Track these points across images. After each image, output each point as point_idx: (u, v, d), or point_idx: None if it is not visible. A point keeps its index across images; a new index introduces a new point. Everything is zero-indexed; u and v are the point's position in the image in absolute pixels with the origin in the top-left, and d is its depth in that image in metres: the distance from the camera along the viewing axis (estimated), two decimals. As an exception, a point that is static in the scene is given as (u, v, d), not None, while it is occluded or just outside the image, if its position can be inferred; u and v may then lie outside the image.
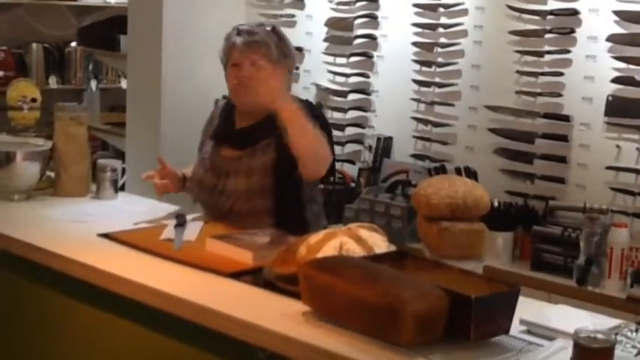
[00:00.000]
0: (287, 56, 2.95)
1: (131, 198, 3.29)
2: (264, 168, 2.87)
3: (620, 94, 3.44)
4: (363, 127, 4.30)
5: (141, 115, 4.66)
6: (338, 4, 4.39)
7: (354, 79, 4.35)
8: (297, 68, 4.39)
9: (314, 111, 2.92)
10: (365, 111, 4.31)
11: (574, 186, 3.59)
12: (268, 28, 2.97)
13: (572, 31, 3.58)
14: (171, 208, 3.05)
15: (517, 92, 3.74)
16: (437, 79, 4.04)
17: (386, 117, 4.24)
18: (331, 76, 4.42)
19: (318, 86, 4.45)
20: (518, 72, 3.73)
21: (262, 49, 2.89)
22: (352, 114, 4.33)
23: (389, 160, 4.15)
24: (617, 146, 3.46)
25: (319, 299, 1.97)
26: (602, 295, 3.15)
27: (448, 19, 3.99)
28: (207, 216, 2.98)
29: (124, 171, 3.24)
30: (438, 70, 4.03)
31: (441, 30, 4.01)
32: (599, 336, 1.70)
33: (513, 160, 3.76)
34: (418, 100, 4.11)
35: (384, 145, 4.17)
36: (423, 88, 4.09)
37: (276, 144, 2.85)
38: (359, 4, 4.31)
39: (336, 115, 4.36)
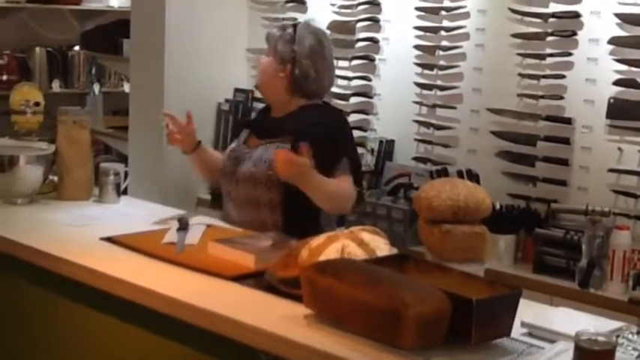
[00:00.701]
0: (294, 52, 2.98)
1: (134, 202, 3.30)
2: (272, 164, 2.88)
3: (622, 97, 3.44)
4: (365, 130, 4.31)
5: (143, 119, 4.67)
6: (340, 7, 4.40)
7: (356, 82, 4.35)
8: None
9: (334, 127, 2.99)
10: (367, 114, 4.31)
11: (576, 188, 3.59)
12: (291, 24, 3.09)
13: (574, 33, 3.58)
14: (174, 211, 3.06)
15: (519, 95, 3.75)
16: (439, 82, 4.05)
17: (388, 120, 4.25)
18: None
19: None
20: (520, 75, 3.74)
21: (272, 40, 3.04)
22: (354, 117, 4.34)
23: (391, 163, 4.16)
24: (619, 149, 3.46)
25: (321, 302, 1.98)
26: (604, 298, 3.15)
27: (450, 22, 3.99)
28: (224, 205, 3.08)
29: (126, 175, 3.24)
30: (440, 72, 4.03)
31: (442, 33, 4.02)
32: (601, 338, 1.70)
33: (515, 162, 3.77)
34: (420, 103, 4.11)
35: (386, 148, 4.18)
36: (425, 91, 4.10)
37: (291, 142, 2.87)
38: (361, 7, 4.31)
39: (339, 118, 4.36)
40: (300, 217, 2.88)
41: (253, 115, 3.26)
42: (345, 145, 2.98)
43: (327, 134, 2.91)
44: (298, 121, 2.94)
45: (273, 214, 2.91)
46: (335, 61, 4.33)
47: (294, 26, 3.04)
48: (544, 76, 3.67)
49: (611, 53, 3.47)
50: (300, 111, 2.99)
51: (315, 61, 3.01)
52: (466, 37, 3.94)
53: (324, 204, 2.85)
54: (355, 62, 4.34)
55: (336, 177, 2.86)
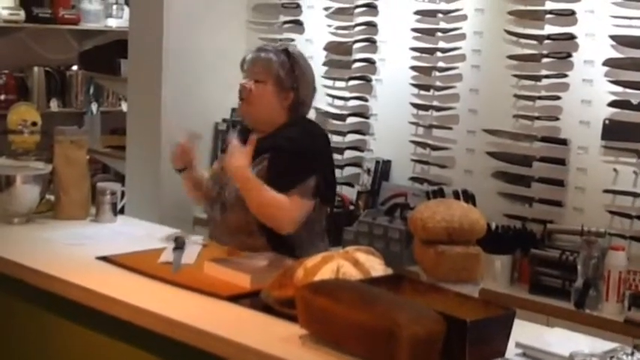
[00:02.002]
0: (297, 76, 2.97)
1: (130, 221, 3.31)
2: None
3: (617, 118, 3.46)
4: (362, 151, 4.32)
5: (141, 139, 4.68)
6: (337, 28, 4.42)
7: (352, 103, 4.37)
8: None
9: (306, 144, 2.94)
10: (364, 134, 4.33)
11: (572, 209, 3.60)
12: (280, 48, 3.03)
13: (569, 55, 3.60)
14: (171, 231, 3.06)
15: (515, 116, 3.76)
16: (435, 103, 4.06)
17: (384, 140, 4.26)
18: (330, 99, 4.44)
19: (317, 109, 4.46)
20: (515, 96, 3.76)
21: (264, 64, 2.97)
22: (351, 137, 4.35)
23: (387, 183, 4.16)
24: (615, 170, 3.47)
25: (316, 322, 1.98)
26: (599, 318, 3.16)
27: (446, 43, 4.01)
28: (210, 229, 3.05)
29: (123, 194, 3.25)
30: (437, 93, 4.05)
31: (439, 54, 4.04)
32: (594, 359, 1.71)
33: (511, 183, 3.78)
34: (416, 124, 4.13)
35: (383, 168, 4.19)
36: (422, 112, 4.11)
37: (268, 161, 2.88)
38: (358, 28, 4.34)
39: (335, 138, 4.37)
40: (282, 239, 2.87)
41: (231, 135, 3.20)
42: (315, 164, 2.92)
43: (298, 151, 2.89)
44: (276, 137, 2.94)
45: (260, 238, 2.89)
46: (332, 82, 4.43)
47: (285, 51, 3.01)
48: (539, 98, 3.69)
49: (606, 75, 3.49)
50: (280, 128, 2.97)
51: (313, 86, 3.06)
52: (462, 58, 3.96)
53: (253, 210, 2.83)
54: (352, 83, 4.36)
55: (288, 194, 2.83)
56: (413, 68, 4.12)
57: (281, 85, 2.96)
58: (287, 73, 2.96)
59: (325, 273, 2.14)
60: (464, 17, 3.95)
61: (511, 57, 3.76)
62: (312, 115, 4.40)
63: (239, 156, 2.81)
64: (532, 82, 3.71)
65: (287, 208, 2.82)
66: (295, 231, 2.87)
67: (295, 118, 3.01)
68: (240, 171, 2.80)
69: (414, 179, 4.11)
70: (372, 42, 4.29)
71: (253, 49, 3.08)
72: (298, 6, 4.61)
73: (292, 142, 2.90)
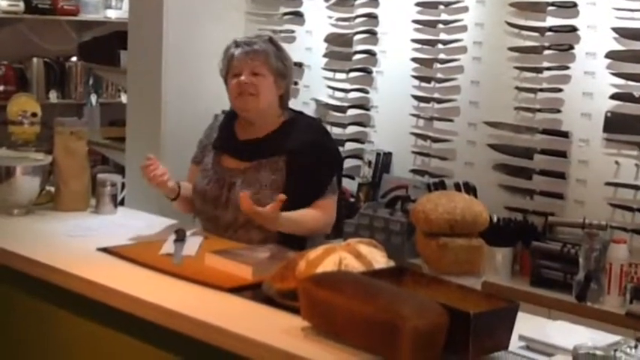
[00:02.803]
0: (286, 66, 3.00)
1: (130, 212, 3.30)
2: (275, 184, 2.88)
3: (619, 111, 3.45)
4: (363, 143, 4.31)
5: (141, 130, 4.67)
6: (338, 19, 4.41)
7: (353, 95, 4.36)
8: (297, 83, 4.41)
9: (324, 148, 2.99)
10: (364, 126, 4.32)
11: (573, 202, 3.59)
12: (265, 39, 3.01)
13: (571, 47, 3.59)
14: (171, 222, 3.06)
15: (516, 108, 3.75)
16: (436, 95, 4.05)
17: (385, 132, 4.25)
18: (331, 91, 4.43)
19: (317, 101, 4.46)
20: (517, 88, 3.75)
21: (261, 57, 2.97)
22: (351, 129, 4.34)
23: (388, 175, 4.16)
24: (616, 162, 3.47)
25: (319, 315, 1.97)
26: (601, 311, 3.15)
27: (447, 35, 4.00)
28: (207, 229, 2.99)
29: (123, 185, 3.24)
30: (437, 85, 4.04)
31: (440, 46, 4.02)
32: (598, 352, 1.71)
33: (512, 175, 3.77)
34: (417, 116, 4.12)
35: (384, 161, 4.18)
36: (423, 104, 4.10)
37: (286, 164, 2.88)
38: (358, 20, 4.32)
39: (336, 130, 4.36)
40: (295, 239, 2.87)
41: (212, 131, 3.17)
42: (334, 164, 3.02)
43: (318, 152, 2.94)
44: (286, 139, 2.94)
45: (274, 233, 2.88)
46: (332, 74, 4.41)
47: (271, 40, 3.01)
48: (541, 90, 3.68)
49: (608, 67, 3.48)
50: (286, 127, 2.98)
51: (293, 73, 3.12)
52: (463, 50, 3.95)
53: (302, 234, 2.91)
54: (352, 75, 4.35)
55: (320, 201, 2.91)
56: (414, 60, 4.11)
57: (278, 75, 2.97)
58: (281, 63, 2.98)
59: (327, 265, 2.13)
60: (465, 9, 3.93)
61: (512, 49, 3.75)
62: (312, 107, 4.45)
63: (271, 221, 2.77)
64: (533, 75, 3.70)
65: (319, 217, 2.92)
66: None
67: (292, 114, 3.02)
68: (276, 227, 2.81)
69: (414, 171, 4.10)
70: (373, 34, 4.28)
71: (234, 44, 3.03)
72: (299, -3, 4.60)
73: (312, 145, 2.94)
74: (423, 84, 4.09)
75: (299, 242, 2.81)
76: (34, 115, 3.48)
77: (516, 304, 1.92)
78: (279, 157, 2.90)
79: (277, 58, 2.98)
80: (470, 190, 3.69)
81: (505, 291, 3.33)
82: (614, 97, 3.46)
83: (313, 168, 2.91)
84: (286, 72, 3.00)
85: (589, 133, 3.54)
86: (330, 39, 4.42)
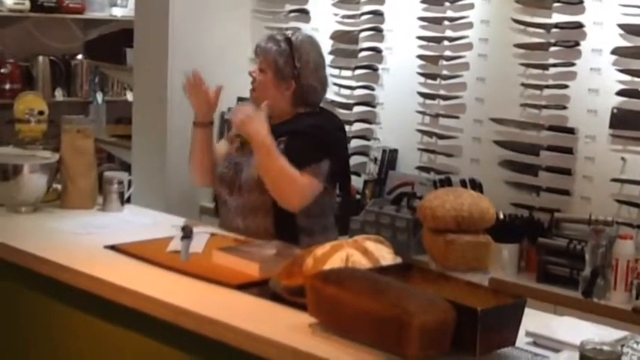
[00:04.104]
0: (297, 66, 2.97)
1: (137, 210, 3.30)
2: None
3: (625, 107, 3.45)
4: (369, 140, 4.31)
5: (147, 128, 4.68)
6: (343, 17, 4.41)
7: (359, 92, 4.36)
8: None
9: (323, 130, 2.96)
10: (370, 123, 4.32)
11: (579, 198, 3.59)
12: (281, 37, 3.03)
13: (577, 44, 3.59)
14: (178, 220, 3.06)
15: (522, 105, 3.75)
16: (442, 92, 4.05)
17: (391, 129, 4.25)
18: (337, 88, 4.43)
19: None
20: (523, 85, 3.75)
21: (263, 54, 3.00)
22: (357, 126, 4.35)
23: (394, 172, 4.16)
24: (622, 158, 3.47)
25: (326, 311, 1.98)
26: (607, 307, 3.15)
27: (453, 32, 4.00)
28: (221, 214, 3.05)
29: (130, 183, 3.24)
30: (443, 82, 4.04)
31: (446, 43, 4.02)
32: (605, 348, 1.71)
33: (519, 172, 3.77)
34: (423, 113, 4.12)
35: (390, 158, 4.18)
36: (428, 101, 4.10)
37: (285, 144, 2.90)
38: (364, 17, 4.33)
39: (342, 127, 4.37)
40: (289, 221, 2.89)
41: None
42: (331, 149, 2.96)
43: (314, 134, 2.92)
44: (293, 125, 2.97)
45: (271, 220, 2.92)
46: (338, 71, 4.42)
47: (288, 40, 3.01)
48: (547, 86, 3.68)
49: (614, 63, 3.48)
50: (297, 117, 3.01)
51: (320, 73, 3.04)
52: (469, 47, 3.95)
53: (267, 178, 2.85)
54: (358, 72, 4.35)
55: (300, 172, 2.85)
56: (420, 57, 4.11)
57: (280, 74, 2.97)
58: (286, 62, 2.97)
59: (335, 262, 2.13)
60: (471, 5, 3.93)
61: (518, 45, 3.75)
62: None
63: (258, 121, 2.83)
64: (539, 71, 3.70)
65: (299, 183, 2.84)
66: (307, 215, 2.90)
67: (311, 108, 3.03)
68: (261, 136, 2.82)
69: (420, 168, 4.10)
70: (379, 31, 4.28)
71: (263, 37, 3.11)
72: (304, -6, 4.61)
73: (310, 126, 2.94)
74: (429, 81, 4.10)
75: (292, 237, 2.83)
76: (40, 113, 3.48)
77: (523, 300, 1.92)
78: (281, 140, 2.92)
79: (282, 56, 2.96)
80: (476, 186, 3.69)
81: (511, 287, 3.33)
82: (620, 93, 3.45)
83: (302, 143, 2.90)
84: (292, 72, 2.97)
85: (595, 129, 3.54)
86: (336, 36, 4.42)
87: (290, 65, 2.97)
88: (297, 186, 2.84)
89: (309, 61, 3.01)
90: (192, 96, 3.10)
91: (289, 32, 3.10)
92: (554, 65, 3.65)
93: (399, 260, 2.23)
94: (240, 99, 4.70)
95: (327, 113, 3.13)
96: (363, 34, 4.33)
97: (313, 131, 2.92)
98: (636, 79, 3.42)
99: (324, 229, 2.98)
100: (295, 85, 2.98)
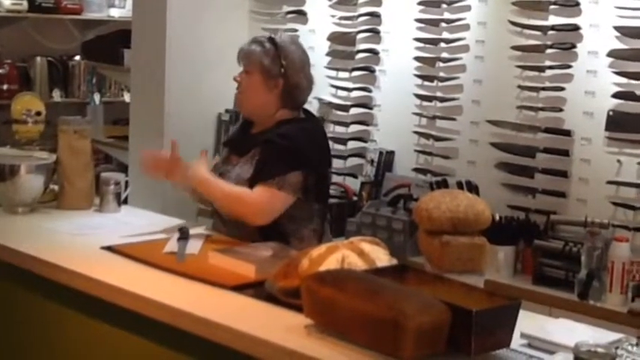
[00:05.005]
0: (283, 65, 2.97)
1: (134, 211, 3.31)
2: (247, 180, 2.89)
3: (621, 109, 3.45)
4: (365, 141, 4.32)
5: (144, 129, 4.68)
6: (340, 18, 4.41)
7: (356, 94, 4.37)
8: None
9: (295, 140, 2.92)
10: (367, 125, 4.32)
11: (575, 200, 3.60)
12: (264, 38, 3.04)
13: (573, 46, 3.60)
14: (175, 221, 3.07)
15: (518, 107, 3.76)
16: (439, 94, 4.06)
17: (388, 131, 4.26)
18: (333, 90, 4.44)
19: (320, 100, 4.47)
20: (519, 87, 3.75)
21: (249, 56, 3.00)
22: (354, 128, 4.35)
23: (391, 174, 4.17)
24: (618, 161, 3.47)
25: (321, 312, 1.98)
26: (603, 309, 3.15)
27: (450, 34, 4.01)
28: (214, 223, 3.05)
29: (127, 184, 3.25)
30: (440, 84, 4.05)
31: (442, 45, 4.03)
32: (600, 350, 1.71)
33: (515, 174, 3.78)
34: (420, 115, 4.12)
35: (386, 159, 4.19)
36: (425, 103, 4.11)
37: (259, 154, 2.89)
38: (361, 18, 4.33)
39: (339, 129, 4.38)
40: (274, 229, 2.87)
41: (232, 129, 3.22)
42: (301, 161, 2.88)
43: (283, 145, 2.88)
44: (270, 133, 2.94)
45: (252, 231, 2.88)
46: (335, 72, 4.42)
47: (271, 40, 3.01)
48: (543, 89, 3.68)
49: (611, 66, 3.48)
50: (277, 126, 2.97)
51: (306, 71, 3.04)
52: (466, 49, 3.95)
53: (222, 208, 2.92)
54: (355, 73, 4.36)
55: (260, 186, 2.84)
56: (416, 59, 4.11)
57: (267, 73, 2.96)
58: (272, 61, 2.96)
59: (330, 263, 2.14)
60: (467, 8, 3.94)
61: (515, 48, 3.76)
62: (315, 105, 4.45)
63: (195, 167, 2.88)
64: (536, 73, 3.71)
65: (249, 201, 2.83)
66: (282, 226, 2.87)
67: (296, 112, 3.02)
68: (198, 175, 2.87)
69: (417, 170, 4.11)
70: (376, 32, 4.29)
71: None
72: (302, -4, 4.61)
73: (282, 137, 2.90)
74: (426, 83, 4.10)
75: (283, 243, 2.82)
76: (38, 113, 3.49)
77: (518, 302, 1.93)
78: (256, 150, 2.93)
79: (267, 55, 2.96)
80: (472, 188, 3.70)
81: (507, 289, 3.33)
82: (616, 95, 3.46)
83: (270, 154, 2.87)
84: (279, 71, 2.96)
85: (591, 131, 3.55)
86: (333, 38, 4.43)
87: (277, 64, 2.96)
88: (247, 204, 2.83)
89: (295, 59, 3.00)
90: (159, 173, 3.00)
91: (270, 34, 3.11)
92: (551, 67, 3.66)
93: (394, 262, 2.24)
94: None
95: (309, 122, 3.08)
96: (360, 36, 4.34)
97: (282, 142, 2.87)
98: (632, 81, 3.42)
99: (315, 232, 2.95)
100: (283, 82, 2.97)
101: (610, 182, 3.47)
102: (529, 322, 2.03)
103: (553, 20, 3.66)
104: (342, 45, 4.40)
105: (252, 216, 2.84)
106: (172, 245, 2.67)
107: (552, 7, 3.65)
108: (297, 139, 2.91)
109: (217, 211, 2.99)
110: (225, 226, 2.97)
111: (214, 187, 2.87)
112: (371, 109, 4.32)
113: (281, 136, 2.90)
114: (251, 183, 2.87)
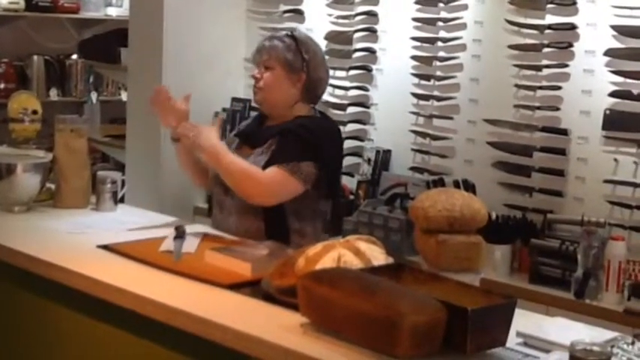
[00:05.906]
0: (305, 59, 2.99)
1: (131, 210, 3.30)
2: (261, 168, 2.90)
3: (618, 108, 3.46)
4: (362, 140, 4.32)
5: (141, 128, 4.68)
6: (337, 17, 4.41)
7: (353, 92, 4.37)
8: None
9: (312, 132, 2.94)
10: (364, 124, 4.33)
11: (572, 199, 3.60)
12: (284, 33, 3.07)
13: (570, 45, 3.60)
14: (170, 220, 3.07)
15: (515, 106, 3.76)
16: (436, 93, 4.06)
17: (385, 130, 4.26)
18: (331, 89, 4.43)
19: (317, 99, 4.47)
20: (516, 86, 3.76)
21: (269, 50, 3.01)
22: (351, 127, 4.35)
23: (387, 172, 4.17)
24: (615, 160, 3.48)
25: (317, 311, 1.98)
26: (599, 308, 3.16)
27: (447, 33, 4.01)
28: (215, 215, 3.06)
29: (123, 183, 3.25)
30: (437, 83, 4.05)
31: (439, 44, 4.03)
32: (595, 348, 1.71)
33: (511, 173, 3.78)
34: (417, 114, 4.13)
35: (383, 158, 4.19)
36: (422, 102, 4.11)
37: (276, 143, 2.91)
38: (358, 17, 4.33)
39: (336, 128, 4.37)
40: (279, 222, 2.89)
41: (244, 123, 3.24)
42: (317, 153, 2.90)
43: (302, 134, 2.90)
44: (287, 125, 2.96)
45: (260, 221, 2.92)
46: (332, 71, 4.42)
47: (291, 36, 3.03)
48: (540, 88, 3.69)
49: (607, 65, 3.49)
50: (294, 120, 3.00)
51: (325, 65, 3.09)
52: (463, 48, 3.95)
53: (226, 181, 2.88)
54: (352, 72, 4.36)
55: (273, 167, 2.85)
56: (413, 58, 4.11)
57: (290, 67, 2.98)
58: (294, 55, 2.99)
59: (326, 262, 2.14)
60: (464, 7, 3.94)
61: (512, 47, 3.76)
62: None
63: (207, 131, 2.87)
64: (533, 72, 3.71)
65: (260, 179, 2.84)
66: (298, 217, 2.90)
67: (313, 110, 3.04)
68: (210, 141, 2.84)
69: (414, 169, 4.11)
70: (373, 31, 4.29)
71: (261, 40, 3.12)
72: (299, -5, 4.61)
73: (302, 127, 2.93)
74: (423, 81, 4.10)
75: (284, 238, 2.83)
76: (34, 112, 3.49)
77: (514, 300, 1.93)
78: (273, 140, 2.94)
79: (289, 50, 2.98)
80: (469, 187, 3.70)
81: (503, 288, 3.34)
82: (613, 94, 3.47)
83: (288, 141, 2.90)
84: (302, 65, 2.98)
85: (588, 130, 3.55)
86: (330, 37, 4.43)
87: (299, 58, 2.99)
88: (255, 181, 2.84)
89: (316, 52, 3.06)
90: (159, 110, 3.05)
91: (287, 31, 3.12)
92: (548, 66, 3.66)
93: (390, 260, 2.24)
94: (234, 99, 4.71)
95: (326, 120, 3.13)
96: (357, 35, 4.34)
97: (301, 131, 2.91)
98: (629, 80, 3.43)
99: (317, 230, 2.98)
100: (305, 77, 2.99)
101: (606, 181, 3.48)
102: (525, 321, 2.03)
103: (550, 19, 3.66)
104: (339, 44, 4.40)
105: (258, 195, 2.85)
106: (169, 244, 2.66)
107: (549, 6, 3.65)
108: (316, 133, 2.94)
109: (219, 179, 2.97)
110: (226, 196, 2.97)
111: (225, 157, 2.84)
112: (368, 107, 4.32)
113: (301, 126, 2.93)
114: (264, 168, 2.88)
